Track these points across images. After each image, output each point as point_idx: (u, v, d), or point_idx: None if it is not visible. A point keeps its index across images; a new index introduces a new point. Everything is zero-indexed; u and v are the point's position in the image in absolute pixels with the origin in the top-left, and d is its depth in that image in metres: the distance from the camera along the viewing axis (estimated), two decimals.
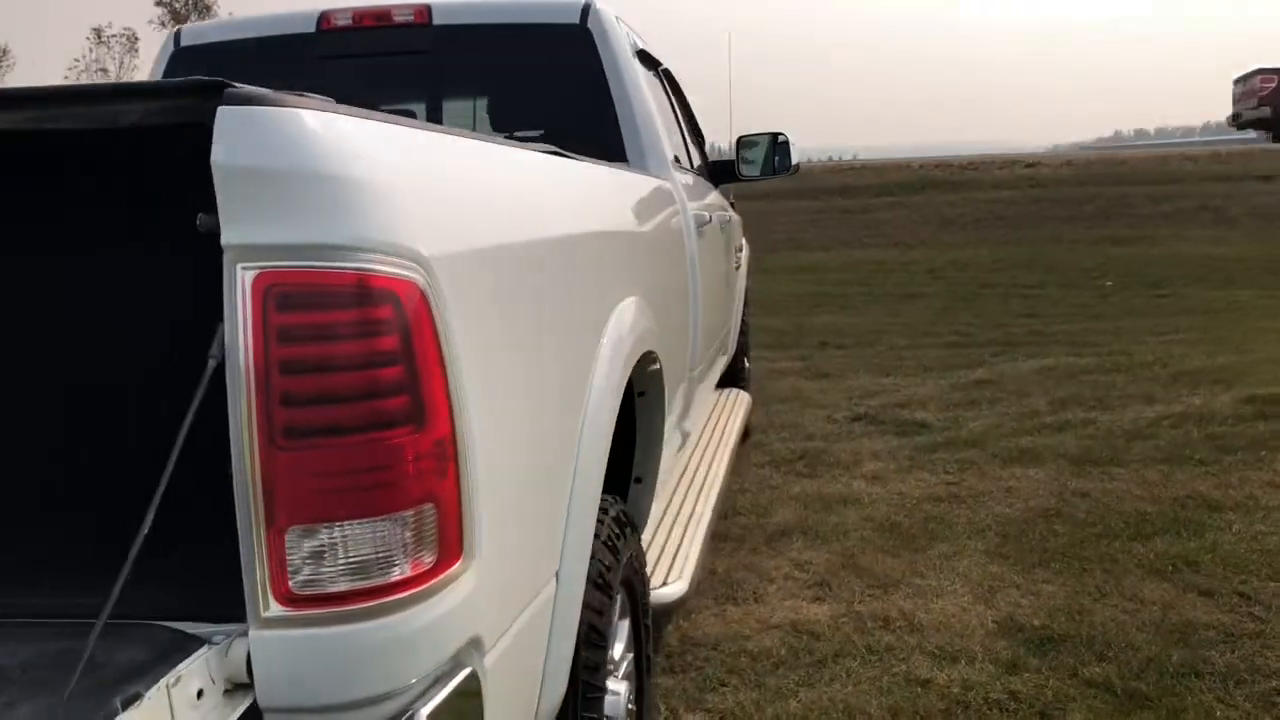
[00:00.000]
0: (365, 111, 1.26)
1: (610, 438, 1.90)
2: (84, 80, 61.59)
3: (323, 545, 1.16)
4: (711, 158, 5.67)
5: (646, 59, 4.30)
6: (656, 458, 2.77)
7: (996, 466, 5.55)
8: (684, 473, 4.07)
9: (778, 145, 5.48)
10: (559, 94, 3.78)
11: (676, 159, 4.51)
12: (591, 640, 1.99)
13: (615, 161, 3.61)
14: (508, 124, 3.82)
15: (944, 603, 3.82)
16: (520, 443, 1.47)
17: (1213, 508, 4.73)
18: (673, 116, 4.59)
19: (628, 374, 2.03)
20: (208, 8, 64.52)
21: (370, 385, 1.15)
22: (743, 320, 6.28)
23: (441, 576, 1.24)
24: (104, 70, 64.32)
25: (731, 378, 6.05)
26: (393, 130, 1.28)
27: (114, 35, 63.59)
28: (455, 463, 1.24)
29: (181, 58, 3.86)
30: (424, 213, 1.22)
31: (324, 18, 3.78)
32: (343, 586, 1.17)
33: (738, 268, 5.74)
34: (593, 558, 2.07)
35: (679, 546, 3.28)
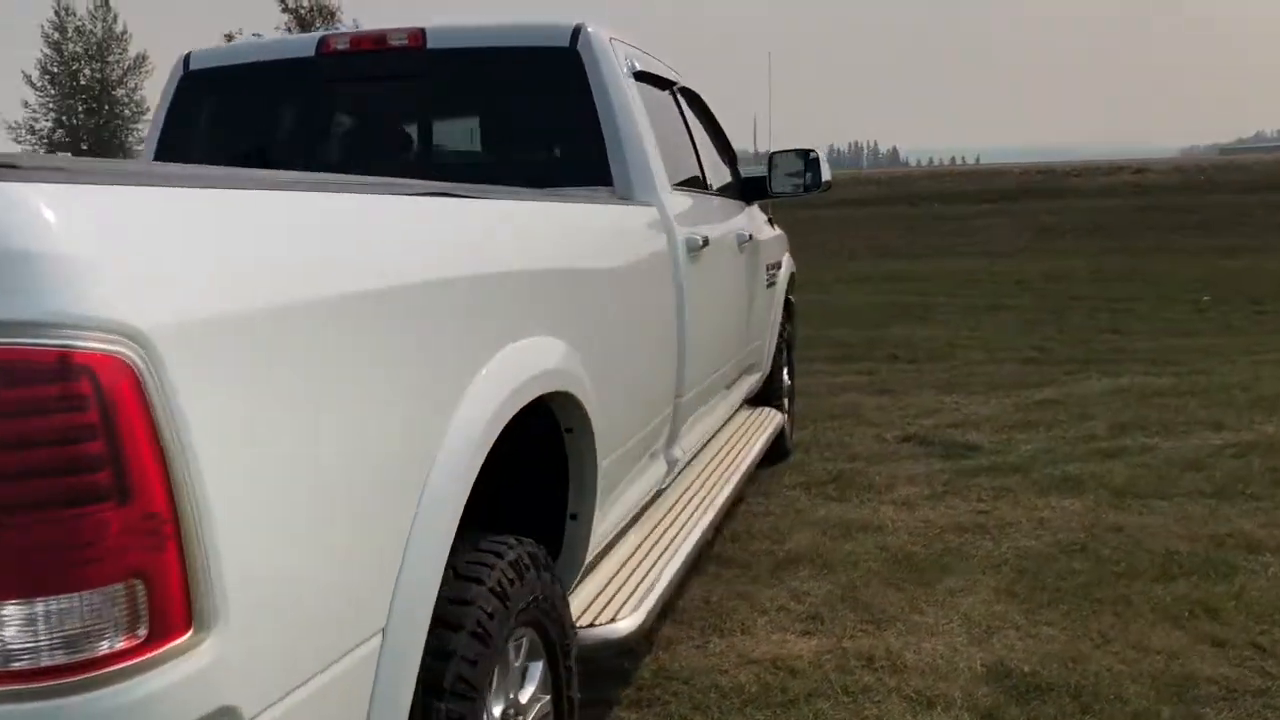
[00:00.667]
0: (86, 170, 1.25)
1: (467, 487, 1.87)
2: None
3: (14, 621, 1.16)
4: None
5: (654, 79, 4.26)
6: (592, 493, 2.72)
7: (1034, 495, 5.35)
8: (678, 500, 4.01)
9: (809, 161, 5.38)
10: (548, 117, 3.77)
11: (696, 179, 4.47)
12: (457, 691, 1.96)
13: (599, 185, 3.60)
14: (499, 148, 3.83)
15: (935, 642, 3.69)
16: (303, 506, 1.45)
17: (1252, 548, 4.48)
18: (686, 137, 4.54)
19: (502, 421, 1.99)
20: (331, 14, 66.03)
21: (62, 461, 1.15)
22: (783, 337, 6.17)
23: (163, 649, 1.23)
24: None
25: (766, 396, 5.96)
26: (114, 194, 1.26)
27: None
28: (176, 535, 1.23)
29: (190, 81, 3.96)
30: (141, 283, 1.21)
31: (323, 41, 3.83)
32: (39, 663, 1.17)
33: (770, 285, 5.64)
34: (471, 604, 2.05)
35: (643, 579, 3.23)
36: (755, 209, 5.64)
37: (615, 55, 3.73)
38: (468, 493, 1.88)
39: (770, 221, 5.99)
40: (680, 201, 3.82)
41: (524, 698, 2.37)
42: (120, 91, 66.24)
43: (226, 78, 3.95)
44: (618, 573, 3.29)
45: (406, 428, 1.73)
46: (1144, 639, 3.66)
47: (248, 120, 3.96)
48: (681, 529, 3.69)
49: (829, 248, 19.37)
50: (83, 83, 65.64)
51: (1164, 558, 4.39)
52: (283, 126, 3.91)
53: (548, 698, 2.50)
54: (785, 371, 6.36)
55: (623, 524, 3.37)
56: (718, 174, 5.33)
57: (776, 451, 6.12)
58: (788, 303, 6.65)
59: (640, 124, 3.69)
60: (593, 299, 2.72)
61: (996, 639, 3.71)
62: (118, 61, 66.35)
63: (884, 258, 16.88)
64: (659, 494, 3.88)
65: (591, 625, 2.93)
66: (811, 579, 4.30)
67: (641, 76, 4.02)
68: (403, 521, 1.72)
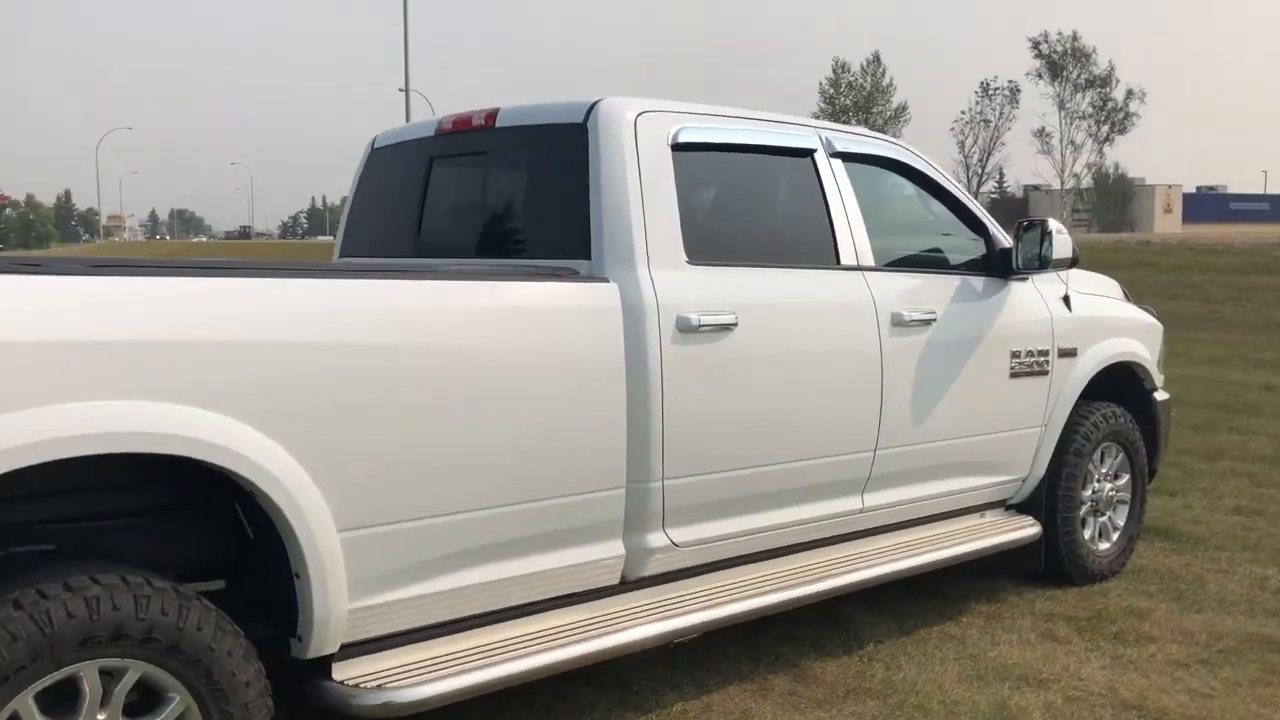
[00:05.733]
0: None
1: None
2: (968, 131, 65.61)
3: None
4: None
5: (755, 149, 4.06)
6: (301, 556, 2.83)
7: None
8: (661, 599, 3.72)
9: (1045, 234, 4.57)
10: (561, 191, 3.82)
11: (806, 251, 4.11)
12: None
13: (582, 258, 3.58)
14: (519, 220, 3.96)
15: None
16: None
17: None
18: (819, 207, 4.17)
19: None
20: (1086, 56, 64.08)
21: None
22: (1090, 438, 5.16)
23: None
24: (986, 122, 67.39)
25: (1034, 505, 5.09)
26: None
27: (997, 89, 66.29)
28: None
29: (374, 158, 4.66)
30: None
31: (439, 123, 4.28)
32: None
33: (1027, 374, 4.81)
34: None
35: (477, 663, 3.19)
36: (1028, 285, 4.88)
37: (634, 130, 3.66)
38: None
39: (1065, 300, 5.07)
40: (685, 277, 3.62)
41: None
42: None
43: (394, 154, 4.58)
44: (475, 648, 3.27)
45: None
46: None
47: (395, 190, 4.54)
48: (600, 630, 3.49)
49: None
50: None
51: None
52: (408, 197, 4.41)
53: None
54: (1110, 478, 5.32)
55: (485, 606, 3.29)
56: (947, 247, 4.78)
57: (1078, 570, 5.15)
58: (1145, 400, 5.57)
59: (641, 198, 3.59)
60: (320, 375, 2.84)
61: None
62: (880, 112, 70.66)
63: None
64: (640, 582, 3.70)
65: (357, 686, 3.03)
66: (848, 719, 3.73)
67: (703, 147, 3.87)
68: None
